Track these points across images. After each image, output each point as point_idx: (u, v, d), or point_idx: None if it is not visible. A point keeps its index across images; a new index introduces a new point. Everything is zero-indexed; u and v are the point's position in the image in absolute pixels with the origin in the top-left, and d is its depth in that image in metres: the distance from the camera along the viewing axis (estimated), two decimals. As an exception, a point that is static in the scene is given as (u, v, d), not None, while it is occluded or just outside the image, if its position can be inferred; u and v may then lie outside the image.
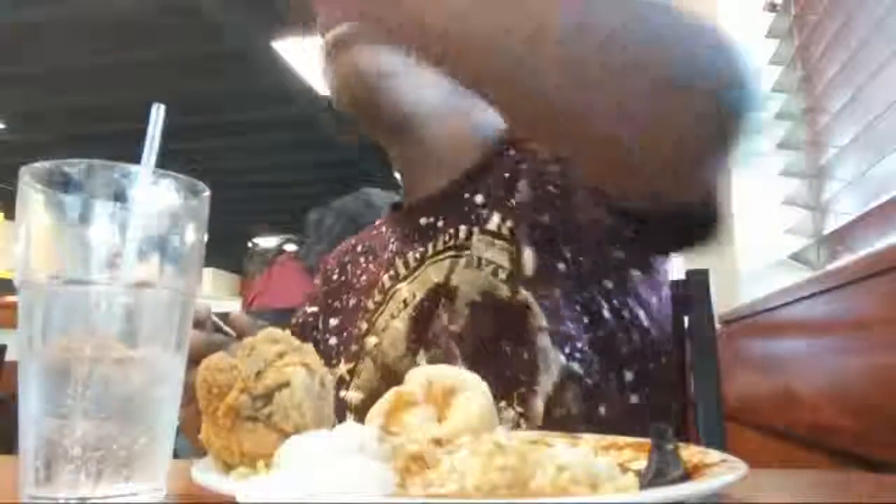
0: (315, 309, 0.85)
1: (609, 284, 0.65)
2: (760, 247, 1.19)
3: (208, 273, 10.77)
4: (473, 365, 0.62)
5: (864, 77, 0.92)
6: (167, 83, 5.27)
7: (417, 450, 0.31)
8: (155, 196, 0.37)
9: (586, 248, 0.65)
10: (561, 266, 0.65)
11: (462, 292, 0.66)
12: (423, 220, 0.74)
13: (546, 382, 0.62)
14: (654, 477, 0.32)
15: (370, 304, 0.74)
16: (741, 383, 0.87)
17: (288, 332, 0.41)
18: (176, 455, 0.39)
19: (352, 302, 0.79)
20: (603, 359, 0.64)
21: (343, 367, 0.74)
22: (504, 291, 0.65)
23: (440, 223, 0.73)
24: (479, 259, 0.66)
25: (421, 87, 0.72)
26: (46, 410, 0.34)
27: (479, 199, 0.71)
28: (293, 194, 8.09)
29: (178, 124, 4.50)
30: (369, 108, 0.72)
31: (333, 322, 0.80)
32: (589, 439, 0.45)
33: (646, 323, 0.67)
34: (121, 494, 0.34)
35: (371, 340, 0.71)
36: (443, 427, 0.42)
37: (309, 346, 0.40)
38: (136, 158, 0.38)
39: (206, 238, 0.40)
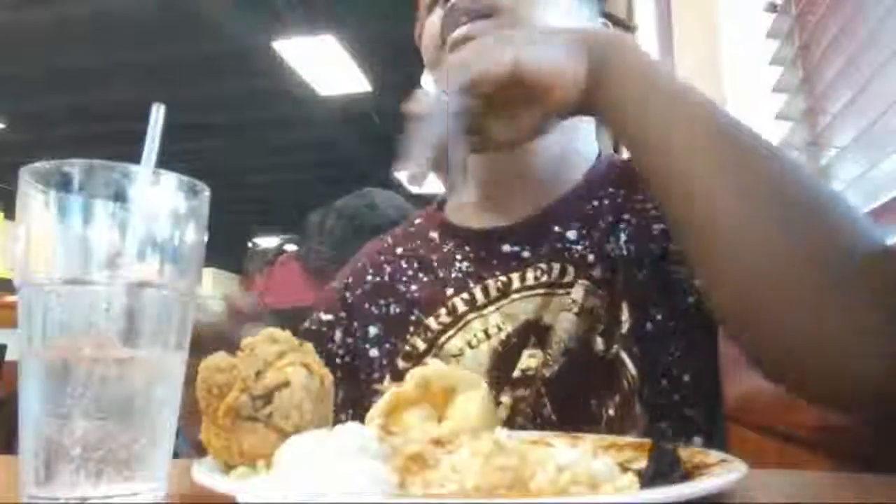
0: (330, 317, 0.79)
1: (688, 345, 0.64)
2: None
3: (208, 273, 10.75)
4: (561, 415, 0.62)
5: (864, 78, 0.92)
6: (167, 83, 5.27)
7: (417, 450, 0.31)
8: (155, 196, 0.37)
9: (675, 310, 0.64)
10: (649, 326, 0.63)
11: (559, 337, 0.64)
12: (505, 248, 0.70)
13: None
14: (654, 477, 0.32)
15: (433, 324, 0.70)
16: (741, 383, 0.87)
17: (288, 332, 0.41)
18: (176, 455, 0.39)
19: (396, 310, 0.74)
20: (680, 423, 0.63)
21: (388, 384, 0.69)
22: (599, 344, 0.63)
23: (526, 253, 0.69)
24: (582, 306, 0.64)
25: None
26: (46, 410, 0.34)
27: (571, 234, 0.68)
28: (293, 194, 8.09)
29: (178, 124, 4.50)
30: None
31: (373, 331, 0.75)
32: (589, 439, 0.45)
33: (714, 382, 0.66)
34: (121, 494, 0.34)
35: (435, 363, 0.69)
36: (442, 427, 0.42)
37: (309, 346, 0.40)
38: (136, 158, 0.38)
39: (206, 238, 0.40)
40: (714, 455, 0.37)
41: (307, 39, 4.77)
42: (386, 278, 0.77)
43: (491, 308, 0.68)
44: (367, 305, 0.76)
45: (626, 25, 0.82)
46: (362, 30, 4.42)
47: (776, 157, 0.47)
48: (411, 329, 0.71)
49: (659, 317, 0.63)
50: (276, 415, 0.37)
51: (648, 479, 0.31)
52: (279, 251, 2.10)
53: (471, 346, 0.67)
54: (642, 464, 0.34)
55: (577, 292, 0.64)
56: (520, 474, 0.29)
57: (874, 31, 0.90)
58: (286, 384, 0.37)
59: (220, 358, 0.38)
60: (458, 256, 0.73)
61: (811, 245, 0.43)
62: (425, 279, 0.74)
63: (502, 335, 0.66)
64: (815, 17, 1.12)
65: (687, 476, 0.32)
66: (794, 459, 0.69)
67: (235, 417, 0.37)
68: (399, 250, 0.79)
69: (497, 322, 0.67)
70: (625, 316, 0.63)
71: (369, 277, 0.78)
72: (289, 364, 0.38)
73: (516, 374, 0.64)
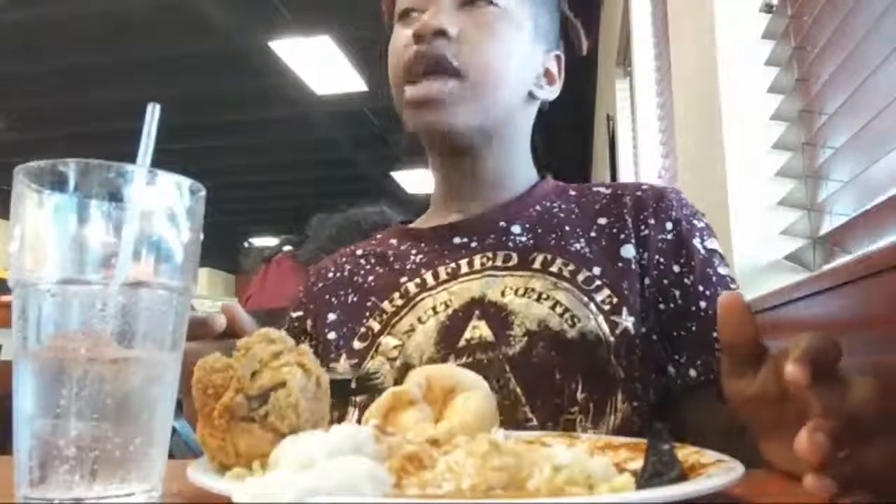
0: (300, 313, 0.85)
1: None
2: (756, 248, 1.19)
3: (203, 273, 10.72)
4: (529, 390, 0.66)
5: (859, 78, 0.92)
6: (167, 83, 5.26)
7: (414, 450, 0.31)
8: (150, 195, 0.37)
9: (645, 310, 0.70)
10: (627, 325, 0.68)
11: (520, 320, 0.69)
12: (456, 240, 0.78)
13: (601, 426, 0.65)
14: (650, 477, 0.32)
15: (387, 306, 0.75)
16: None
17: (284, 332, 0.41)
18: (171, 455, 0.39)
19: (353, 299, 0.80)
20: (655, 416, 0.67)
21: (345, 363, 0.74)
22: (569, 331, 0.67)
23: (474, 244, 0.77)
24: (540, 294, 0.70)
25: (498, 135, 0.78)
26: (41, 410, 0.34)
27: (516, 228, 0.77)
28: (291, 194, 8.07)
29: (178, 124, 4.49)
30: (448, 137, 0.76)
31: (332, 317, 0.80)
32: (585, 439, 0.45)
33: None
34: (116, 495, 0.34)
35: (389, 341, 0.72)
36: (439, 427, 0.42)
37: (305, 347, 0.40)
38: (134, 158, 0.37)
39: (201, 237, 0.40)
40: (710, 455, 0.37)
41: (303, 39, 4.77)
42: (346, 273, 0.84)
43: (440, 289, 0.74)
44: (327, 297, 0.83)
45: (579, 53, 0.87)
46: (358, 30, 4.42)
47: None
48: (367, 314, 0.76)
49: (632, 319, 0.68)
50: (272, 415, 0.37)
51: (645, 479, 0.31)
52: (278, 250, 2.09)
53: (421, 322, 0.72)
54: (638, 464, 0.34)
55: (539, 283, 0.71)
56: (516, 474, 0.29)
57: (869, 33, 0.90)
58: (282, 384, 0.37)
59: (215, 358, 0.38)
60: (414, 251, 0.81)
61: None
62: (381, 271, 0.81)
63: (449, 311, 0.72)
64: (810, 18, 1.12)
65: (683, 476, 0.32)
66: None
67: (231, 418, 0.37)
68: (359, 252, 0.86)
69: (445, 300, 0.73)
70: (626, 317, 0.68)
71: (331, 275, 0.86)
72: (284, 364, 0.38)
73: (461, 343, 0.70)
